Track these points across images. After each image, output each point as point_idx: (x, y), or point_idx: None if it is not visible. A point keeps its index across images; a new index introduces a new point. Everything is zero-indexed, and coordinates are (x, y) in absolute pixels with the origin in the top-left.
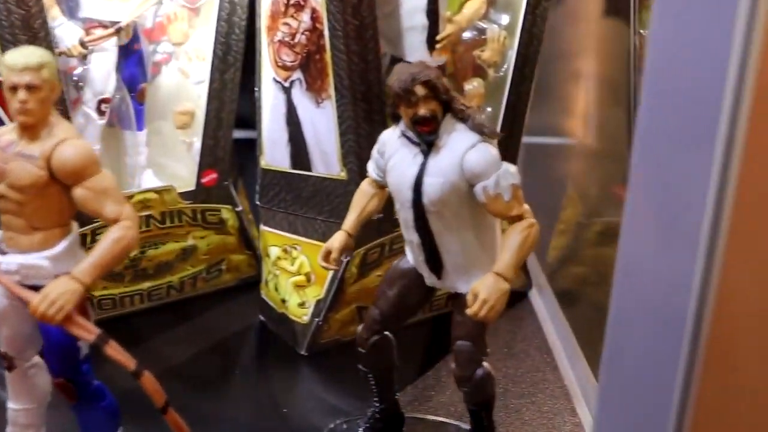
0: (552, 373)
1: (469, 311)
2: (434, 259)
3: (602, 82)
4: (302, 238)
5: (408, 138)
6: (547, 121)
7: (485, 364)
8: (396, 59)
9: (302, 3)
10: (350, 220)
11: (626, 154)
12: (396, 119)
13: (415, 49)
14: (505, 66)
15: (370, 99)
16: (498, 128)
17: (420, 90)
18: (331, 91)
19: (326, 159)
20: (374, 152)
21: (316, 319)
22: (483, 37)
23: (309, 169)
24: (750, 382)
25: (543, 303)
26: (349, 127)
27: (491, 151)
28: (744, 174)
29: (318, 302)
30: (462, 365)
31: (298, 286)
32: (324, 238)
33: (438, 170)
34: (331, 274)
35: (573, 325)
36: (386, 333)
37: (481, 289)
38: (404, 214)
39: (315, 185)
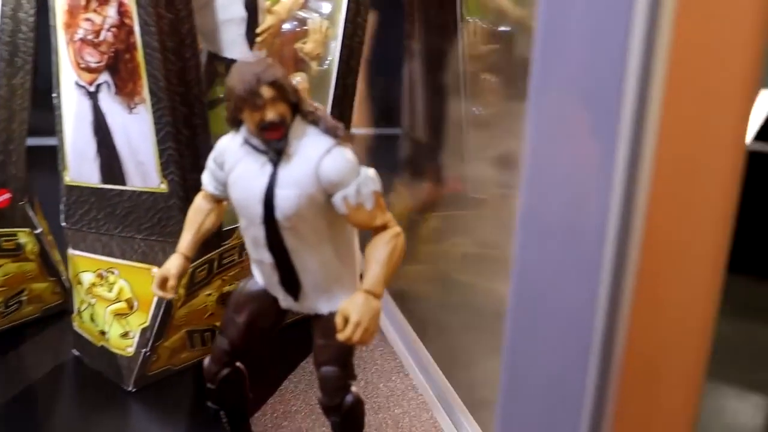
0: (402, 380)
1: (340, 336)
2: (290, 280)
3: (434, 70)
4: (119, 260)
5: (253, 146)
6: (369, 112)
7: (353, 389)
8: (214, 56)
9: None
10: (186, 241)
11: (455, 143)
12: (236, 124)
13: (234, 43)
14: (329, 58)
15: (190, 101)
16: None
17: (266, 92)
18: (145, 94)
19: (143, 171)
20: (210, 162)
21: (143, 350)
22: (304, 28)
23: (123, 183)
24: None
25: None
26: (168, 133)
27: (348, 156)
28: (654, 167)
29: (144, 331)
30: (329, 393)
31: (119, 315)
32: (145, 258)
33: (291, 181)
34: (156, 299)
35: (415, 327)
36: (237, 364)
37: (352, 310)
38: (253, 232)
39: (131, 201)
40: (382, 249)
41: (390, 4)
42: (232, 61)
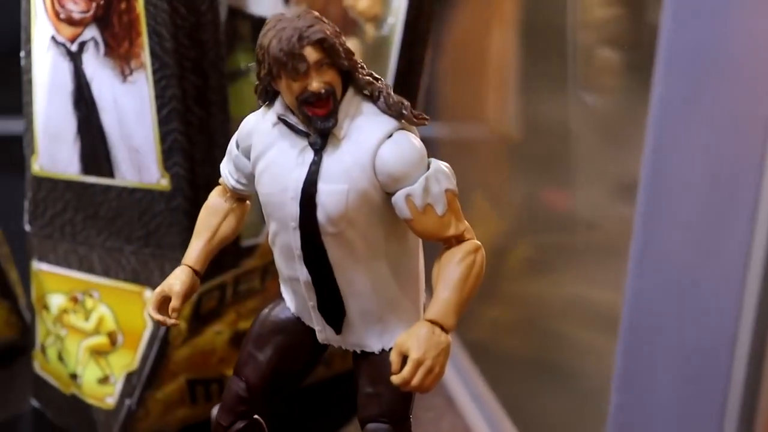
0: None
1: (396, 378)
2: (332, 305)
3: (530, 44)
4: (101, 278)
5: (290, 125)
6: (443, 103)
7: None
8: (236, 12)
9: None
10: (196, 250)
11: (562, 149)
12: (268, 97)
13: None
14: (391, 20)
15: (204, 70)
16: None
17: (311, 53)
18: (145, 57)
19: (138, 160)
20: (232, 146)
21: (128, 402)
22: None
23: (110, 175)
24: None
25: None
26: (174, 111)
27: (414, 142)
28: None
29: (130, 376)
30: None
31: (98, 353)
32: (135, 277)
33: (339, 172)
34: (148, 331)
35: (492, 385)
36: (256, 417)
37: (412, 344)
38: (285, 239)
39: (120, 200)
40: (455, 268)
41: None
42: (261, 20)
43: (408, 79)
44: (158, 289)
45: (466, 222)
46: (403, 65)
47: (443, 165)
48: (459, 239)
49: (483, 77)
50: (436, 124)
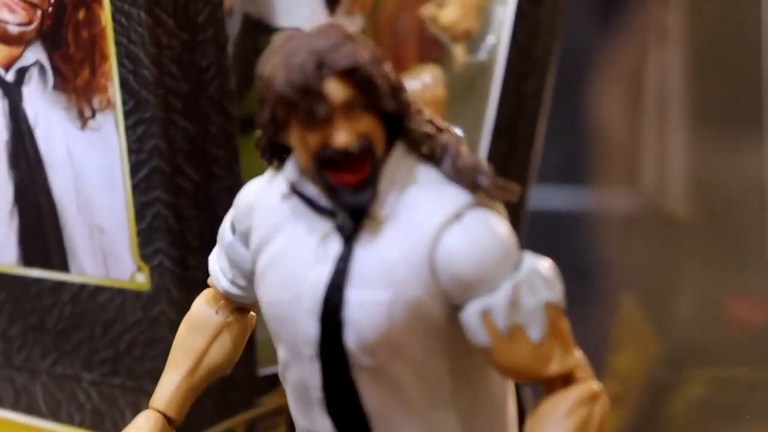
0: None
1: None
2: None
3: (702, 75)
4: (48, 423)
5: (307, 199)
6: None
7: None
8: (255, 25)
9: None
10: (169, 388)
11: (758, 232)
12: (274, 154)
13: (296, 2)
14: (491, 39)
15: (203, 111)
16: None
17: (337, 89)
18: (114, 92)
19: (102, 245)
20: (224, 230)
21: None
22: None
23: (63, 268)
24: None
25: None
26: (156, 173)
27: (496, 228)
28: None
29: None
30: None
31: None
32: (99, 422)
33: (379, 274)
34: None
35: None
36: None
37: None
38: (298, 373)
39: (77, 304)
40: (562, 423)
41: None
42: None
43: (516, 126)
44: None
45: (578, 353)
46: (509, 105)
47: (542, 263)
48: (566, 380)
49: (633, 122)
50: (565, 189)
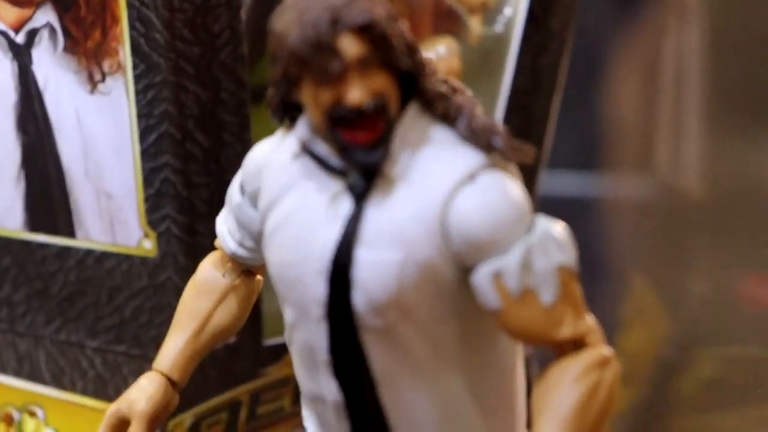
0: None
1: None
2: None
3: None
4: (50, 389)
5: (317, 158)
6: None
7: None
8: None
9: None
10: (173, 351)
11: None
12: (285, 113)
13: None
14: (508, 11)
15: (214, 77)
16: None
17: (351, 45)
18: (125, 56)
19: (110, 210)
20: (233, 192)
21: None
22: None
23: (69, 233)
24: None
25: None
26: (166, 138)
27: (509, 190)
28: None
29: None
30: None
31: None
32: (102, 389)
33: (390, 234)
34: None
35: None
36: None
37: None
38: (305, 334)
39: (82, 270)
40: (570, 390)
41: None
42: None
43: (531, 102)
44: (112, 408)
45: (590, 319)
46: (524, 80)
47: (555, 226)
48: (578, 344)
49: (649, 106)
50: (579, 174)
